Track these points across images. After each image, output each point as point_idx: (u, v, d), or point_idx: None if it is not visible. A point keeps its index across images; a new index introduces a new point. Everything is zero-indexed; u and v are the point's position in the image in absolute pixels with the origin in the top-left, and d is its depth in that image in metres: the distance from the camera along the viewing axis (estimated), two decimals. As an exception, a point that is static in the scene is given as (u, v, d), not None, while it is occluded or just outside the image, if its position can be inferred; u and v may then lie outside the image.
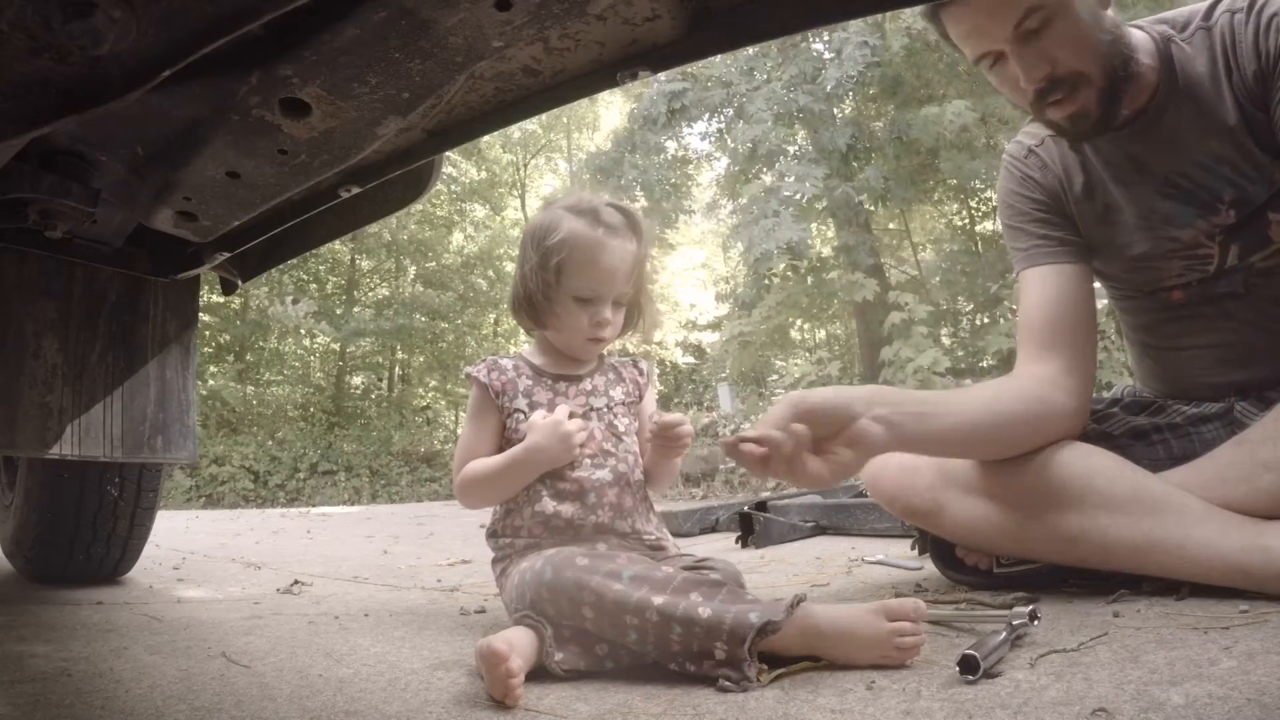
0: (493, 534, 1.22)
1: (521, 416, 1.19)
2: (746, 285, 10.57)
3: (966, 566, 1.28)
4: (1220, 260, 1.17)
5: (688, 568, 1.05)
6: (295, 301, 11.80)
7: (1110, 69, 1.06)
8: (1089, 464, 1.11)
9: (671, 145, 11.08)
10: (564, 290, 1.18)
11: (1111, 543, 1.06)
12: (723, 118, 10.40)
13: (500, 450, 1.20)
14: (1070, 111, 1.08)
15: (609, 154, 10.80)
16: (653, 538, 1.19)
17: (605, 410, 1.23)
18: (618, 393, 1.25)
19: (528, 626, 0.97)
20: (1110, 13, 1.07)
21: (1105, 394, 1.48)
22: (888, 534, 2.26)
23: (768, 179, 9.63)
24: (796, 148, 9.83)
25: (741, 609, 0.87)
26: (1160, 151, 1.14)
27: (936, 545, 1.35)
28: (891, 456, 1.25)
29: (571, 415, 1.18)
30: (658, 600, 0.90)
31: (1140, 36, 1.11)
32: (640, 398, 1.29)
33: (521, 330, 1.27)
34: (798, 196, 9.00)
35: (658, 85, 9.54)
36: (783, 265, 9.44)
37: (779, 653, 0.88)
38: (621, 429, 1.23)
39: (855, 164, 9.22)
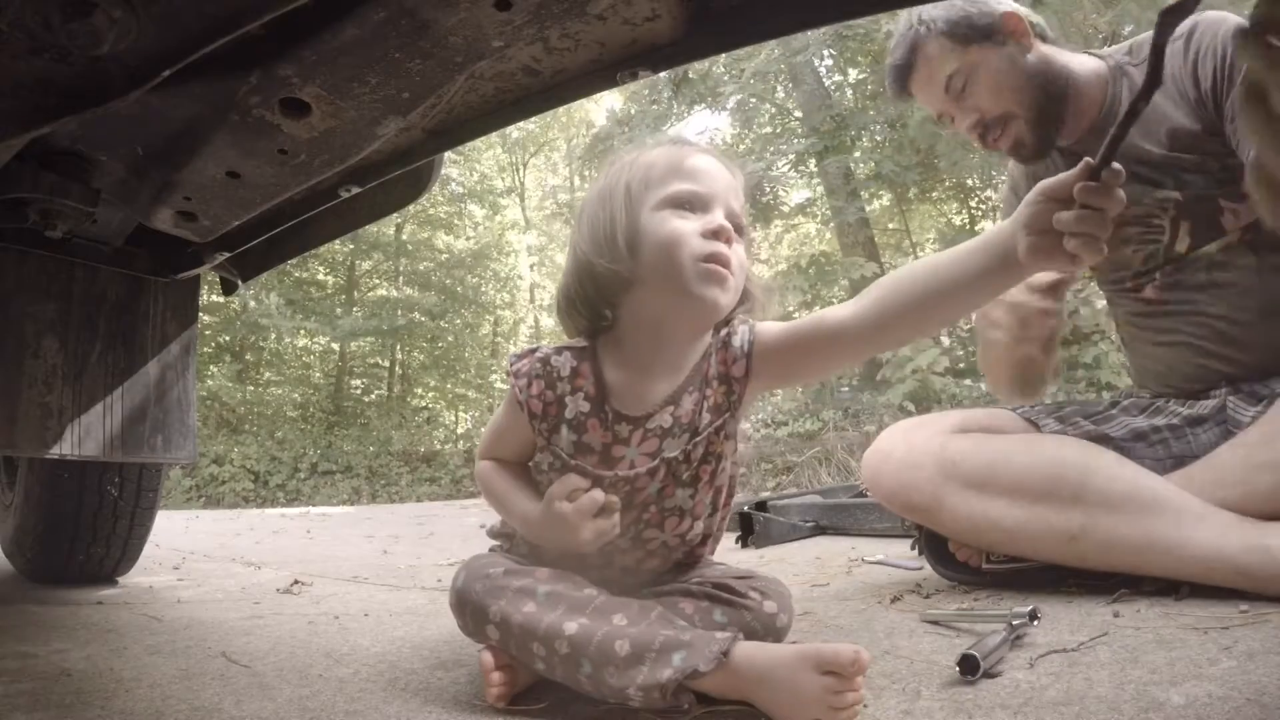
0: (496, 535, 1.08)
1: (555, 463, 0.91)
2: None
3: (958, 563, 1.29)
4: (1171, 236, 1.22)
5: (715, 583, 0.92)
6: (279, 299, 11.81)
7: (1036, 100, 1.24)
8: (1089, 462, 1.12)
9: (672, 128, 11.17)
10: (648, 206, 0.87)
11: (1111, 542, 1.07)
12: (725, 105, 10.48)
13: (530, 453, 0.97)
14: (1008, 144, 1.29)
15: (607, 128, 10.96)
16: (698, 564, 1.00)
17: (678, 461, 0.90)
18: (707, 414, 0.90)
19: None
20: (1041, 49, 1.26)
21: (1106, 394, 1.49)
22: (888, 534, 2.26)
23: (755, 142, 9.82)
24: (787, 120, 9.94)
25: (663, 653, 0.76)
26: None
27: (930, 541, 1.35)
28: (893, 452, 1.26)
29: (606, 506, 0.85)
30: (570, 628, 0.80)
31: (1089, 62, 1.28)
32: (741, 396, 0.91)
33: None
34: (789, 155, 9.20)
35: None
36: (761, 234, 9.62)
37: (708, 694, 0.77)
38: (689, 475, 0.91)
39: (848, 138, 9.27)
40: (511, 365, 0.93)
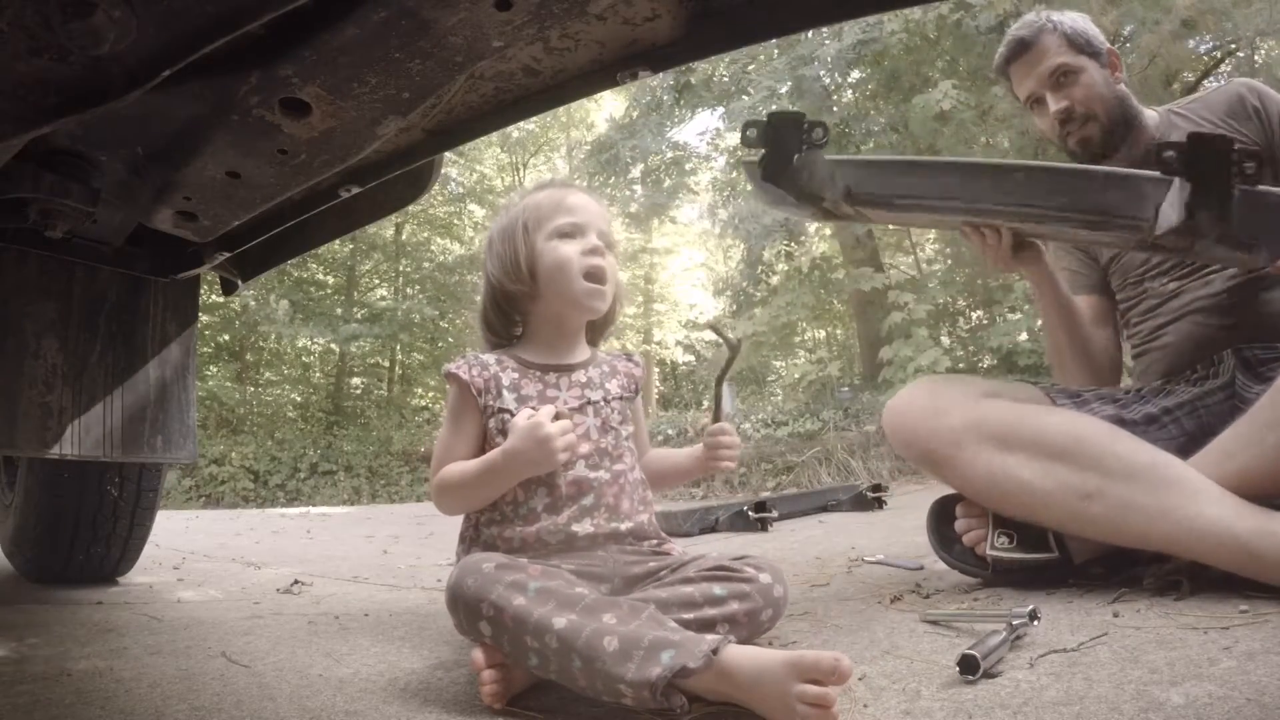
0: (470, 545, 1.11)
1: (508, 417, 1.06)
2: (745, 279, 10.65)
3: (962, 548, 1.29)
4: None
5: (710, 568, 0.98)
6: (288, 304, 11.80)
7: (1112, 115, 1.48)
8: (1114, 433, 1.17)
9: (675, 132, 11.16)
10: (541, 237, 1.12)
11: (1125, 505, 1.09)
12: (725, 106, 10.45)
13: (480, 453, 1.09)
14: (1080, 138, 1.50)
15: (609, 136, 10.95)
16: (653, 542, 1.09)
17: (602, 404, 1.11)
18: (614, 386, 1.15)
19: None
20: (1122, 86, 1.51)
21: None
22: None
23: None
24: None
25: (651, 650, 0.77)
26: None
27: (935, 522, 1.35)
28: (918, 399, 1.32)
29: (558, 415, 1.04)
30: (559, 623, 0.82)
31: (1148, 111, 1.53)
32: (636, 391, 1.19)
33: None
34: None
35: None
36: (778, 251, 9.54)
37: (698, 695, 0.79)
38: (616, 424, 1.12)
39: (850, 141, 9.24)
40: (451, 365, 1.13)
